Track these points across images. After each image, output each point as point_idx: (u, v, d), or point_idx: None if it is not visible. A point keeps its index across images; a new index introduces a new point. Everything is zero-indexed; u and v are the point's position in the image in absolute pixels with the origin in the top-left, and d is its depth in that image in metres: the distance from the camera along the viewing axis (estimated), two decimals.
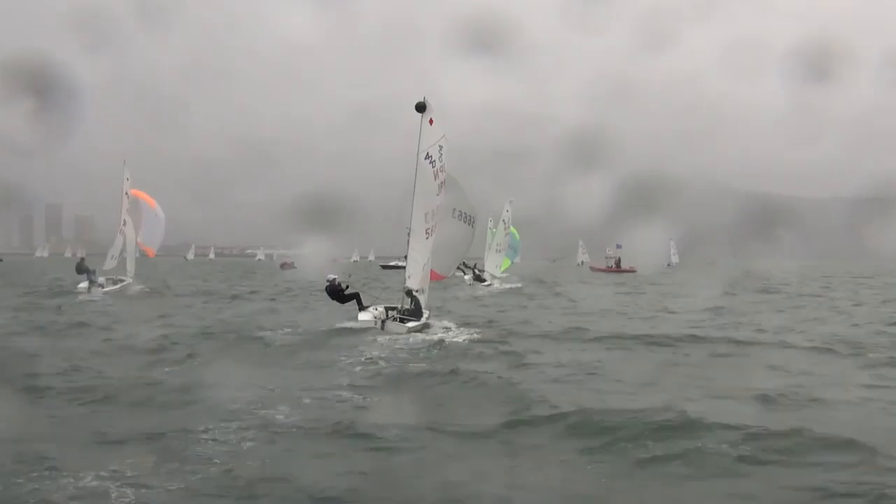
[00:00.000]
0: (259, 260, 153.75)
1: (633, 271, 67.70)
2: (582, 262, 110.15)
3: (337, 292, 18.05)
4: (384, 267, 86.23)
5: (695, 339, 15.70)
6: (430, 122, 17.60)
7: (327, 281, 18.23)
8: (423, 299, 17.55)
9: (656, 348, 14.56)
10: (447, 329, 17.12)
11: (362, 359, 12.89)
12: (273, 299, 28.81)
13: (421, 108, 17.32)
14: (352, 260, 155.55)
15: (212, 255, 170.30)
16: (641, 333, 16.55)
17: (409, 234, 18.10)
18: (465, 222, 18.94)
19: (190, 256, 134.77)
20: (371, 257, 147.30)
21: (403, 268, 18.77)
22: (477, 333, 16.27)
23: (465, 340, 15.35)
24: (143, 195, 32.66)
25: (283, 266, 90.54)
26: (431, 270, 18.14)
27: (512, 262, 48.63)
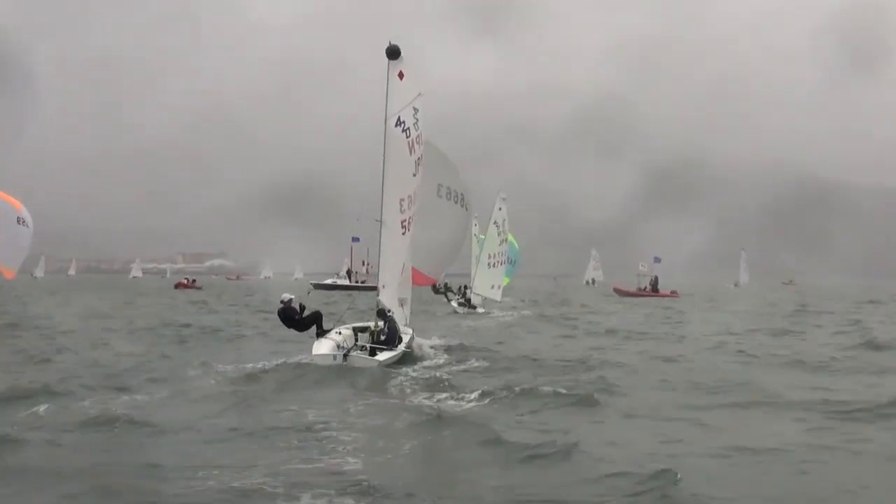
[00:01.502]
0: (134, 277, 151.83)
1: (676, 295, 67.28)
2: (592, 281, 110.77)
3: (292, 318, 18.17)
4: (317, 286, 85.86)
5: None
6: (400, 75, 17.32)
7: (281, 302, 18.37)
8: (403, 313, 17.49)
9: None
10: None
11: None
12: None
13: (393, 53, 17.13)
14: (262, 276, 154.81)
15: (72, 272, 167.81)
16: None
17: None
18: (455, 202, 18.65)
19: (38, 273, 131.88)
20: (298, 274, 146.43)
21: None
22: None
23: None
24: (4, 196, 31.50)
25: (178, 286, 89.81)
26: (415, 271, 18.14)
27: (510, 279, 48.64)
